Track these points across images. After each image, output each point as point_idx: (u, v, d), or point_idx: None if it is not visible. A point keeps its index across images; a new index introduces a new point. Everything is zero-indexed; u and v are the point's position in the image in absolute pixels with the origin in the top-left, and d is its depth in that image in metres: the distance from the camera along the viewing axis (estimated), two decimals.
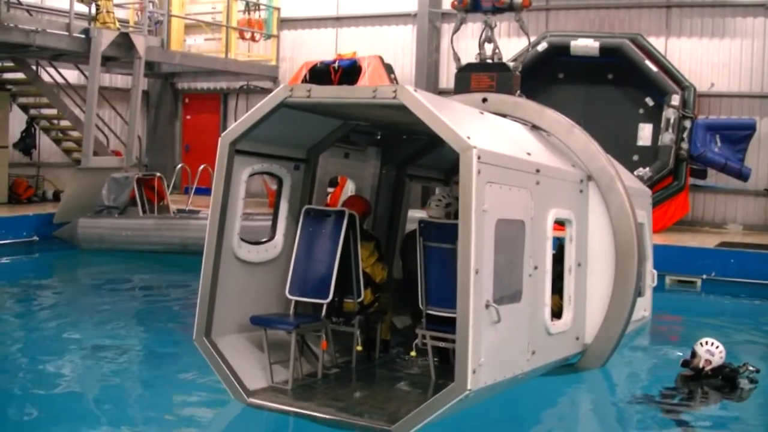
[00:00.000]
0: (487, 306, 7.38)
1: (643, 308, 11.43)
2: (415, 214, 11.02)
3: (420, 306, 8.64)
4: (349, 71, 22.61)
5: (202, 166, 21.57)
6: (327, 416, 7.80)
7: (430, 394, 8.37)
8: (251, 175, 8.79)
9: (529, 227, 8.22)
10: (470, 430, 8.12)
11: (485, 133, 8.11)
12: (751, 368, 9.56)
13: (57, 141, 22.73)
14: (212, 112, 27.68)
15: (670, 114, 19.78)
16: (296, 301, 8.99)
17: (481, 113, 8.93)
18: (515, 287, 8.07)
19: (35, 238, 19.52)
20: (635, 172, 19.61)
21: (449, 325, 8.09)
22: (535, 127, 9.92)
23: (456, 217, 8.35)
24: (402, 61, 24.36)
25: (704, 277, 17.17)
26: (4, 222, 19.29)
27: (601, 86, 21.03)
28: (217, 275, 8.39)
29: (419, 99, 7.43)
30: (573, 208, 9.22)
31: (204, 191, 22.68)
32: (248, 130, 8.29)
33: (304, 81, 23.08)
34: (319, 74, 22.60)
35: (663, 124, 19.83)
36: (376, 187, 10.72)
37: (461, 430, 8.00)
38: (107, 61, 20.89)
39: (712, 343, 9.43)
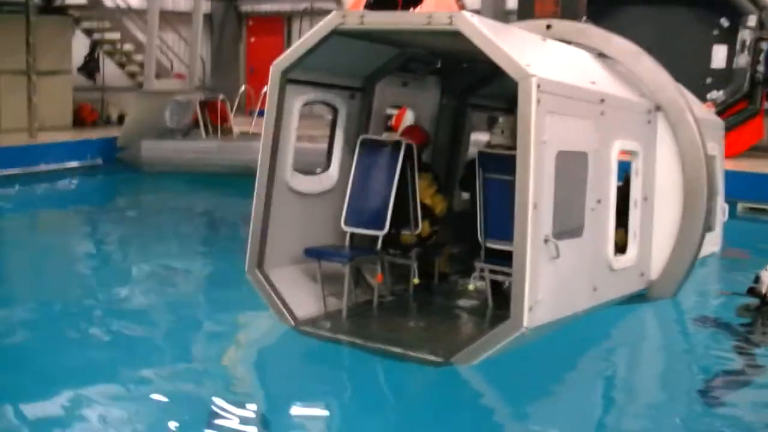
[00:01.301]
0: (546, 241, 7.14)
1: (713, 243, 11.05)
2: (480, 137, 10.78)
3: (479, 238, 8.41)
4: None
5: (265, 89, 21.25)
6: (379, 345, 7.62)
7: (486, 327, 8.15)
8: (305, 105, 8.54)
9: (592, 159, 7.91)
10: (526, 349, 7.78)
11: (547, 60, 7.76)
12: None
13: (121, 65, 22.78)
14: (276, 35, 27.44)
15: (745, 35, 18.99)
16: (352, 233, 8.78)
17: (544, 40, 8.54)
18: (576, 222, 7.79)
19: (99, 161, 19.68)
20: (708, 96, 19.06)
21: (508, 259, 7.75)
22: (601, 55, 9.49)
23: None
24: None
25: None
26: (68, 146, 19.45)
27: (672, 7, 20.19)
28: (270, 207, 8.23)
29: (476, 25, 7.11)
30: (640, 140, 8.84)
31: None
32: (300, 59, 8.04)
33: (367, 4, 22.64)
34: None
35: (738, 46, 19.06)
36: (436, 117, 10.40)
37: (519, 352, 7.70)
38: None
39: None
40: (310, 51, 7.98)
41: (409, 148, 8.77)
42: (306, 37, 8.03)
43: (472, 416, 6.84)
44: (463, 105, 10.70)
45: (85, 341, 8.26)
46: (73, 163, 19.16)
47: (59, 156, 18.95)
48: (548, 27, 9.69)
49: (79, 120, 22.59)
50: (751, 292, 9.19)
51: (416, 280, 9.11)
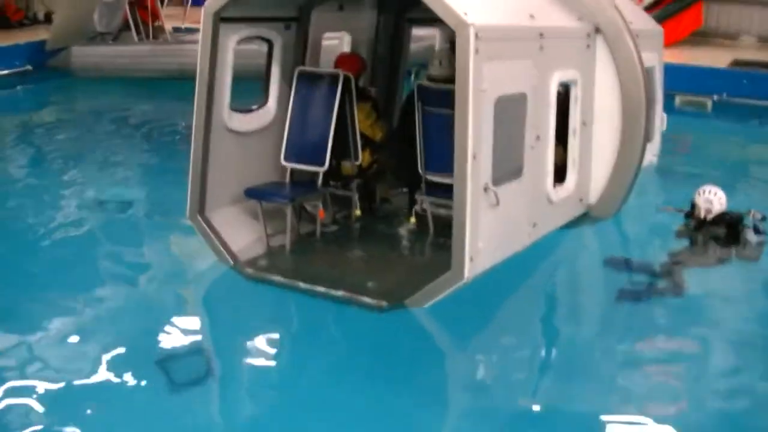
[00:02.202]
0: (486, 189, 7.13)
1: (652, 153, 11.09)
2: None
3: (419, 171, 8.38)
4: None
5: None
6: (322, 289, 7.60)
7: (426, 261, 8.27)
8: (239, 42, 8.30)
9: (531, 97, 7.84)
10: None
11: (484, 1, 7.56)
12: (757, 215, 9.22)
13: None
14: None
15: None
16: (292, 168, 8.69)
17: None
18: (516, 163, 7.79)
19: (29, 67, 19.02)
20: None
21: (449, 191, 7.75)
22: None
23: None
24: None
25: (715, 97, 16.78)
26: None
27: None
28: (208, 149, 8.09)
29: None
30: (579, 67, 8.77)
31: (200, 2, 21.96)
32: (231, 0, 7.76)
33: None
34: None
35: None
36: (374, 39, 10.18)
37: None
38: None
39: (710, 191, 9.11)
40: None
41: (346, 79, 8.61)
42: None
43: (412, 355, 6.92)
44: (401, 21, 10.47)
45: (13, 278, 8.13)
46: (1, 71, 18.52)
47: None
48: None
49: (4, 20, 21.74)
50: (688, 216, 9.31)
51: (358, 212, 9.09)
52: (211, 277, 8.33)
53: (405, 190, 9.36)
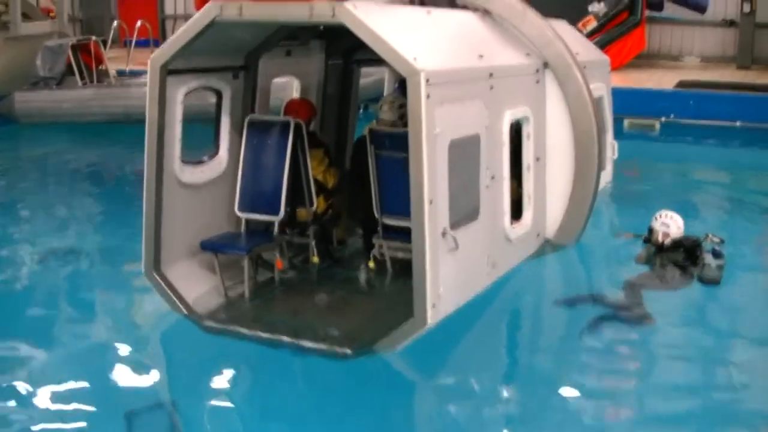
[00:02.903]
0: (444, 234, 7.08)
1: (605, 180, 11.16)
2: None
3: (375, 214, 8.33)
4: None
5: (139, 23, 20.75)
6: (285, 338, 7.46)
7: (389, 299, 8.20)
8: (187, 94, 8.19)
9: (484, 138, 7.83)
10: None
11: (433, 44, 7.56)
12: (714, 239, 9.32)
13: None
14: None
15: None
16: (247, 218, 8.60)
17: (428, 13, 8.31)
18: (472, 204, 7.76)
19: None
20: (590, 8, 19.14)
21: (406, 233, 7.74)
22: (486, 12, 9.30)
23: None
24: None
25: (663, 119, 16.96)
26: None
27: None
28: (161, 203, 7.95)
29: (359, 18, 6.89)
30: (530, 103, 8.81)
31: (144, 43, 21.92)
32: (178, 53, 7.67)
33: None
34: None
35: None
36: (323, 82, 10.12)
37: None
38: None
39: (667, 215, 9.22)
40: (189, 44, 7.62)
41: (297, 126, 8.54)
42: (182, 31, 7.66)
43: (381, 400, 6.87)
44: (349, 63, 10.43)
45: None
46: None
47: None
48: None
49: None
50: (647, 242, 9.35)
51: (315, 259, 8.98)
52: (169, 329, 8.12)
53: (361, 232, 9.28)
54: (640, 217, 10.41)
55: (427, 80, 6.70)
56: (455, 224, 7.26)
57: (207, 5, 7.53)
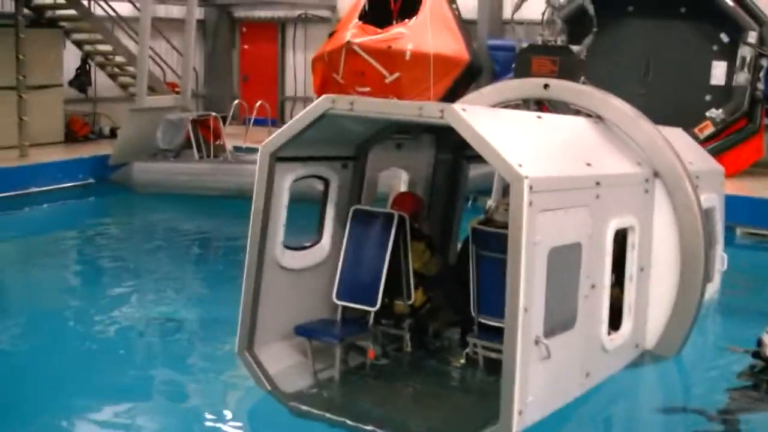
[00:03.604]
0: (537, 342, 7.00)
1: (710, 293, 10.89)
2: None
3: (472, 313, 8.29)
4: (408, 1, 21.96)
5: (258, 103, 21.37)
6: (369, 428, 7.40)
7: (477, 397, 8.18)
8: (295, 181, 8.35)
9: (586, 247, 7.75)
10: None
11: (540, 149, 7.57)
12: None
13: (113, 76, 22.46)
14: (270, 41, 27.16)
15: (745, 52, 18.72)
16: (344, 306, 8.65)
17: (539, 117, 8.34)
18: (569, 313, 7.66)
19: (91, 180, 19.48)
20: (707, 113, 18.87)
21: (502, 335, 7.61)
22: (599, 118, 9.29)
23: None
24: None
25: None
26: (60, 165, 19.22)
27: (672, 20, 19.82)
28: (260, 286, 8.10)
29: (467, 121, 6.94)
30: (637, 213, 8.70)
31: (262, 122, 22.50)
32: (288, 141, 7.85)
33: (363, 12, 22.49)
34: (378, 4, 22.00)
35: (738, 63, 18.80)
36: (431, 176, 10.20)
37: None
38: None
39: None
40: (300, 133, 7.80)
41: (401, 219, 8.61)
42: (295, 120, 7.86)
43: None
44: (458, 158, 10.49)
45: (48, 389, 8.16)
46: (65, 184, 18.95)
47: (50, 177, 18.70)
48: (546, 86, 9.51)
49: (71, 134, 22.31)
50: (756, 355, 9.02)
51: (409, 350, 8.96)
52: (256, 409, 8.18)
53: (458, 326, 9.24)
54: (747, 331, 10.01)
55: (531, 187, 6.69)
56: (549, 332, 7.18)
57: (320, 98, 7.72)
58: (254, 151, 19.54)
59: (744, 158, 19.06)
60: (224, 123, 20.50)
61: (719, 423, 8.06)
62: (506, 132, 7.35)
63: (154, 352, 9.77)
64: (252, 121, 21.62)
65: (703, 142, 16.97)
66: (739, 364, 9.18)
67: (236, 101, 23.21)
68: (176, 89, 21.60)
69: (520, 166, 6.75)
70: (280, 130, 7.99)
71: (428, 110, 7.14)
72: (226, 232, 16.55)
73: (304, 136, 7.94)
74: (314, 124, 7.75)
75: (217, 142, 19.91)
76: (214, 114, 20.18)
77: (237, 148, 20.48)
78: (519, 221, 6.70)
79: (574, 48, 9.96)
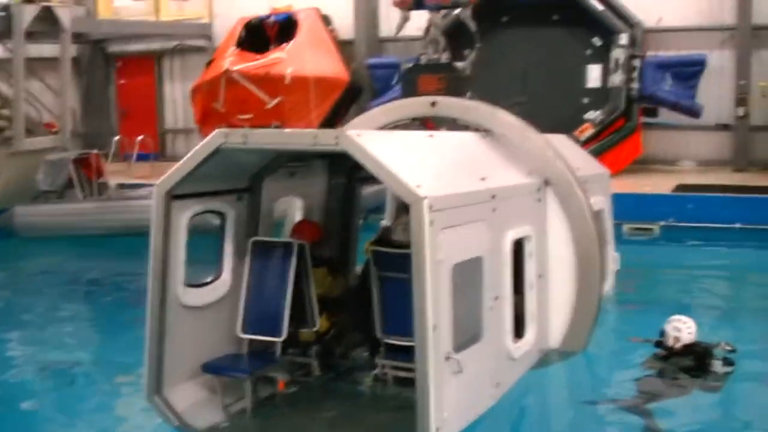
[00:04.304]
0: (448, 358, 7.06)
1: (606, 291, 11.16)
2: None
3: (377, 335, 8.32)
4: (285, 25, 21.99)
5: (139, 138, 21.13)
6: None
7: (392, 415, 8.14)
8: (192, 217, 8.24)
9: (487, 260, 7.86)
10: None
11: (435, 168, 7.65)
12: (727, 347, 9.16)
13: None
14: (146, 75, 26.95)
15: (618, 54, 19.39)
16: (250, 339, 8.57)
17: (430, 136, 8.44)
18: (475, 328, 7.76)
19: None
20: (586, 116, 19.40)
21: (408, 353, 7.78)
22: (487, 131, 9.45)
23: None
24: (340, 10, 23.48)
25: (662, 223, 17.03)
26: None
27: (546, 28, 20.40)
28: (164, 327, 7.95)
29: (362, 146, 6.98)
30: (531, 222, 8.89)
31: (144, 157, 22.22)
32: (183, 179, 7.75)
33: (239, 39, 22.43)
34: (255, 30, 21.98)
35: (612, 65, 19.44)
36: (325, 201, 10.21)
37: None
38: (32, 35, 19.95)
39: (679, 319, 9.13)
40: (193, 171, 7.71)
41: (301, 247, 8.58)
42: (188, 157, 7.75)
43: None
44: (352, 182, 10.52)
45: None
46: None
47: None
48: (433, 104, 9.63)
49: None
50: (659, 345, 9.26)
51: (318, 373, 8.94)
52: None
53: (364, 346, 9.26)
54: (645, 321, 10.43)
55: (431, 206, 6.75)
56: (459, 347, 7.24)
57: (213, 133, 7.65)
58: (138, 186, 19.50)
59: (624, 156, 19.65)
60: (106, 160, 20.16)
61: (631, 412, 8.23)
62: (401, 154, 7.40)
63: (53, 399, 9.44)
64: (134, 156, 21.31)
65: (585, 144, 17.43)
66: (642, 355, 9.40)
67: (116, 137, 22.92)
68: (54, 129, 21.16)
69: (419, 186, 6.80)
70: (174, 168, 7.86)
71: (323, 138, 7.16)
72: (117, 271, 16.23)
73: (198, 174, 7.87)
74: (208, 160, 7.68)
75: (100, 180, 19.54)
76: (95, 151, 19.82)
77: (120, 185, 20.15)
78: (421, 241, 6.75)
79: (459, 65, 10.09)
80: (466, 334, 7.50)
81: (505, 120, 9.44)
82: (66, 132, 20.44)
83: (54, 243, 18.02)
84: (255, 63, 22.45)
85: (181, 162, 7.83)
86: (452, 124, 9.57)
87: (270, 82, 22.24)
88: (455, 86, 9.94)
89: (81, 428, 8.60)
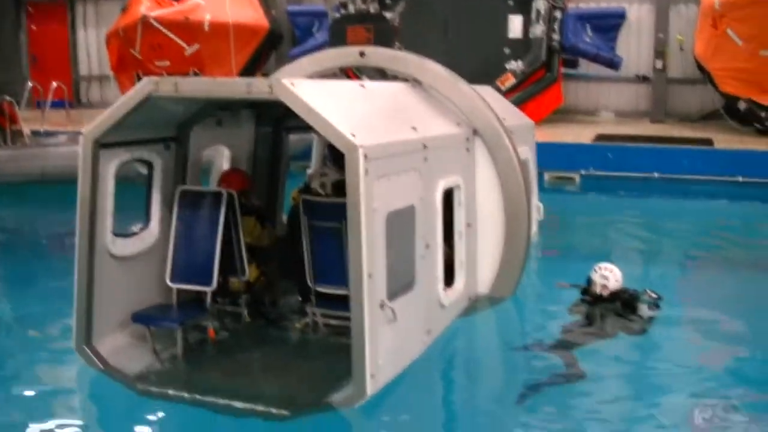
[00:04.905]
0: (382, 306, 7.12)
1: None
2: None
3: (308, 283, 8.33)
4: None
5: (54, 85, 20.58)
6: (221, 401, 7.30)
7: (324, 360, 8.16)
8: (120, 166, 8.11)
9: (419, 209, 7.92)
10: None
11: (369, 118, 7.65)
12: (653, 295, 9.39)
13: None
14: (60, 22, 26.29)
15: (539, 5, 19.50)
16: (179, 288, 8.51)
17: (362, 86, 8.41)
18: (409, 276, 7.82)
19: None
20: (507, 66, 19.49)
21: (340, 302, 7.95)
22: (416, 82, 9.45)
23: (337, 189, 8.06)
24: None
25: (582, 172, 17.31)
26: None
27: None
28: (93, 277, 7.85)
29: (296, 94, 6.92)
30: (461, 172, 8.95)
31: (59, 104, 21.72)
32: (111, 127, 7.61)
33: None
34: None
35: (533, 16, 19.54)
36: (253, 150, 10.13)
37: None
38: None
39: (606, 267, 9.33)
40: (122, 119, 7.58)
41: (230, 196, 8.52)
42: (116, 106, 7.61)
43: None
44: (279, 131, 10.46)
45: None
46: None
47: None
48: (362, 54, 9.58)
49: None
50: (585, 292, 9.46)
51: (248, 319, 8.94)
52: (100, 396, 7.86)
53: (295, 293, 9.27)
54: (569, 268, 10.71)
55: (365, 156, 6.76)
56: (392, 295, 7.31)
57: (142, 81, 7.52)
58: (54, 134, 19.06)
59: (545, 106, 19.87)
60: (18, 107, 19.62)
61: (556, 356, 8.39)
62: (335, 103, 7.36)
63: None
64: (48, 104, 20.81)
65: (506, 94, 17.55)
66: (567, 301, 9.61)
67: (29, 84, 22.25)
68: None
69: (354, 135, 6.79)
70: (101, 116, 7.71)
71: (257, 87, 7.07)
72: (34, 219, 15.89)
73: (125, 121, 7.73)
74: (137, 108, 7.55)
75: (14, 128, 19.03)
76: (7, 98, 19.23)
77: (35, 133, 19.65)
78: (357, 190, 6.76)
79: (387, 15, 10.02)
80: (400, 283, 7.56)
81: (434, 70, 9.45)
82: None
83: None
84: (172, 9, 22.07)
85: (109, 110, 7.68)
86: (375, 74, 9.50)
87: (188, 29, 21.89)
88: (385, 37, 9.85)
89: (6, 382, 8.43)
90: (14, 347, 9.31)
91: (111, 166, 7.95)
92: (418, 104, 9.04)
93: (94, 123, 7.70)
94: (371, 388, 6.95)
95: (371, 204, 6.87)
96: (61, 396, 7.99)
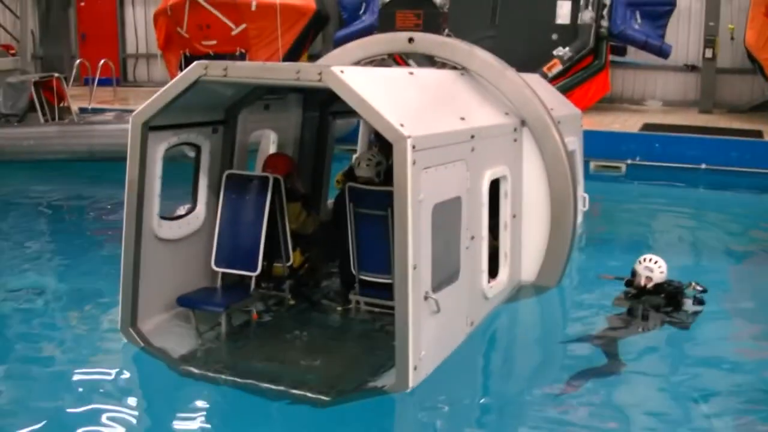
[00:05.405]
0: (426, 298, 7.10)
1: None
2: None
3: (352, 270, 8.35)
4: None
5: (102, 61, 20.70)
6: (263, 384, 7.29)
7: (367, 346, 8.15)
8: (168, 150, 8.14)
9: (465, 200, 7.88)
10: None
11: (417, 107, 7.61)
12: (698, 287, 9.24)
13: None
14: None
15: None
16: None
17: (411, 74, 8.36)
18: (453, 267, 7.79)
19: None
20: (554, 52, 19.32)
21: (383, 290, 8.01)
22: (465, 70, 9.38)
23: (386, 176, 8.05)
24: None
25: (629, 161, 17.17)
26: None
27: None
28: (139, 260, 7.90)
29: (346, 83, 6.89)
30: (508, 162, 8.90)
31: (106, 82, 21.86)
32: (160, 110, 7.64)
33: None
34: None
35: (582, 2, 19.37)
36: (299, 135, 10.12)
37: None
38: None
39: (650, 259, 9.17)
40: (171, 102, 7.59)
41: (276, 182, 8.53)
42: (165, 89, 7.62)
43: None
44: (325, 115, 10.45)
45: None
46: None
47: None
48: (410, 40, 9.52)
49: None
50: (628, 284, 9.35)
51: (291, 302, 8.95)
52: (144, 377, 7.89)
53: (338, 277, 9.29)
54: (614, 259, 10.59)
55: (414, 146, 6.72)
56: (437, 287, 7.29)
57: (192, 65, 7.52)
58: (101, 111, 19.18)
59: (592, 94, 19.69)
60: (67, 84, 19.76)
61: (598, 347, 8.32)
62: (384, 91, 7.33)
63: (17, 329, 9.16)
64: (96, 81, 20.95)
65: (552, 80, 17.41)
66: (611, 292, 9.50)
67: (78, 61, 22.40)
68: (11, 51, 20.67)
69: (402, 125, 6.76)
70: (150, 99, 7.73)
71: (306, 74, 7.05)
72: (80, 196, 16.01)
73: (174, 104, 7.74)
74: (186, 92, 7.56)
75: (62, 104, 19.20)
76: (56, 75, 19.38)
77: (83, 110, 19.81)
78: (404, 181, 6.73)
79: (437, 1, 9.95)
80: (444, 275, 7.54)
81: (482, 58, 9.37)
82: (26, 54, 19.95)
83: (14, 167, 17.68)
84: None
85: (159, 93, 7.70)
86: (423, 60, 9.43)
87: (235, 8, 21.90)
88: (434, 23, 9.78)
89: (52, 358, 8.48)
90: (58, 325, 9.36)
91: (159, 149, 7.99)
92: (466, 93, 8.99)
93: (143, 106, 7.73)
94: (413, 380, 6.94)
95: (418, 195, 6.84)
96: (104, 375, 7.98)
